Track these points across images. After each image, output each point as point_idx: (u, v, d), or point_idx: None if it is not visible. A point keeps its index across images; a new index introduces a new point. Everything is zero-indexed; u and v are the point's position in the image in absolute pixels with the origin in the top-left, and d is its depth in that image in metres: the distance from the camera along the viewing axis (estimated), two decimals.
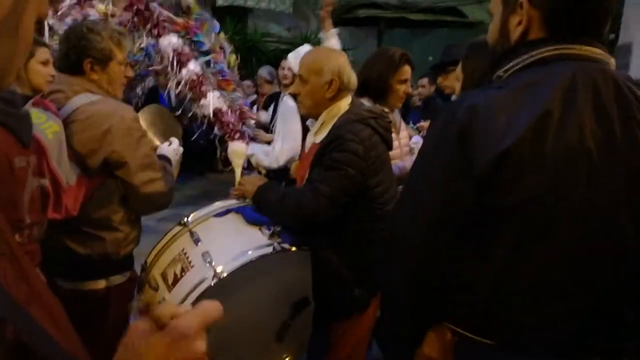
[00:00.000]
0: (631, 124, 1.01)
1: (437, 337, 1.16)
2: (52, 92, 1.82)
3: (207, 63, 3.53)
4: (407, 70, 2.64)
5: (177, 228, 2.09)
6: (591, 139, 0.98)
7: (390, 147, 2.09)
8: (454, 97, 5.12)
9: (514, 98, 1.01)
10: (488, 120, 0.99)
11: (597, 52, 1.06)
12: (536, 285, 1.05)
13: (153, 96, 8.52)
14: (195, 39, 3.57)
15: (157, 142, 2.35)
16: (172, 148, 2.22)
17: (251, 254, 1.92)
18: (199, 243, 2.01)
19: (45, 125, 1.63)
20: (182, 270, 1.96)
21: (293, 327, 2.10)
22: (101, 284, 1.90)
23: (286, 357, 2.23)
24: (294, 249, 2.00)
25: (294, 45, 12.19)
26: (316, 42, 12.12)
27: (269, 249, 1.95)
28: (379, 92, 2.56)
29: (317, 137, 2.09)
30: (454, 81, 2.68)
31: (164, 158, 2.14)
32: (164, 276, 2.01)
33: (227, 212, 2.15)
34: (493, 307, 1.08)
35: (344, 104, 2.04)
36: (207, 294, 1.81)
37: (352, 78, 2.05)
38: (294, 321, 2.09)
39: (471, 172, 0.99)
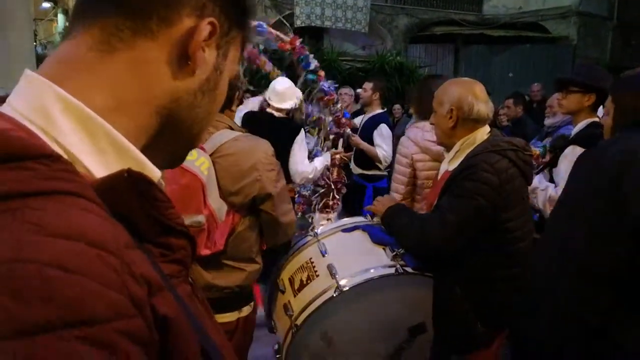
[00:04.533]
0: None
1: None
2: None
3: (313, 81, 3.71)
4: None
5: (308, 238, 2.24)
6: None
7: (529, 182, 1.97)
8: (550, 121, 4.86)
9: None
10: None
11: None
12: None
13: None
14: (301, 57, 3.74)
15: None
16: (317, 164, 2.27)
17: (373, 272, 1.99)
18: (326, 254, 2.12)
19: (200, 162, 1.65)
20: (308, 277, 2.09)
21: (407, 350, 2.06)
22: (234, 316, 1.90)
23: None
24: (416, 273, 1.99)
25: (369, 63, 12.36)
26: (391, 60, 12.20)
27: (391, 270, 1.98)
28: None
29: (450, 165, 2.03)
30: (574, 103, 2.62)
31: None
32: (291, 281, 2.15)
33: (354, 228, 2.24)
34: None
35: (480, 134, 1.97)
36: (329, 304, 1.94)
37: (477, 108, 1.94)
38: (409, 345, 2.05)
39: (627, 220, 0.95)
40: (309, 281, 2.08)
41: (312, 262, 2.13)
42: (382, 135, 4.37)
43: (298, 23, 11.91)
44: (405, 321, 2.04)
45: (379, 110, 4.50)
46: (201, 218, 1.63)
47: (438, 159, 2.64)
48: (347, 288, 1.93)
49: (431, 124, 2.14)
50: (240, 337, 1.93)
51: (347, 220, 2.30)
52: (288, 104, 3.56)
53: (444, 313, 1.94)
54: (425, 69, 13.07)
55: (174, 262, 0.52)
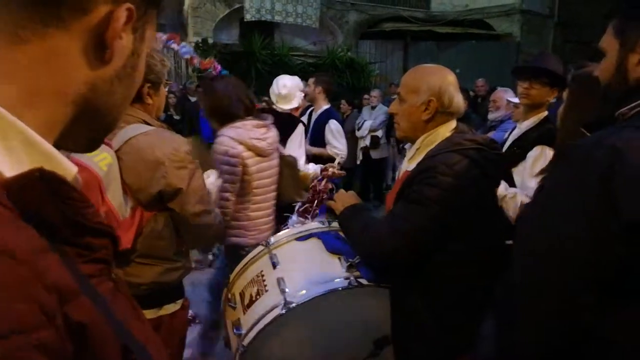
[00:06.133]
0: None
1: None
2: None
3: None
4: None
5: (260, 248, 2.09)
6: None
7: (497, 184, 1.85)
8: (493, 115, 4.85)
9: None
10: (634, 163, 0.94)
11: None
12: None
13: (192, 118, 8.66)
14: None
15: None
16: (211, 181, 2.18)
17: (324, 286, 1.84)
18: (277, 267, 1.98)
19: (99, 157, 1.59)
20: (258, 292, 1.95)
21: None
22: (154, 313, 1.86)
23: None
24: (371, 285, 1.85)
25: (320, 59, 12.36)
26: (342, 56, 12.24)
27: (345, 283, 1.84)
28: None
29: (410, 164, 1.84)
30: (541, 95, 2.53)
31: None
32: (241, 296, 2.01)
33: (309, 236, 2.07)
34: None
35: (445, 130, 1.77)
36: (277, 322, 1.80)
37: (457, 100, 1.77)
38: (376, 359, 1.93)
39: (617, 219, 0.94)
40: (258, 296, 1.94)
41: (262, 275, 1.99)
42: (332, 131, 4.35)
43: (248, 17, 11.75)
44: (371, 333, 1.92)
45: (326, 106, 4.46)
46: None
47: (264, 154, 2.61)
48: (294, 304, 1.79)
49: (392, 113, 1.92)
50: (166, 335, 1.87)
51: (302, 228, 2.14)
52: (295, 103, 3.79)
53: (401, 327, 1.79)
54: (375, 65, 13.21)
55: (95, 262, 0.52)
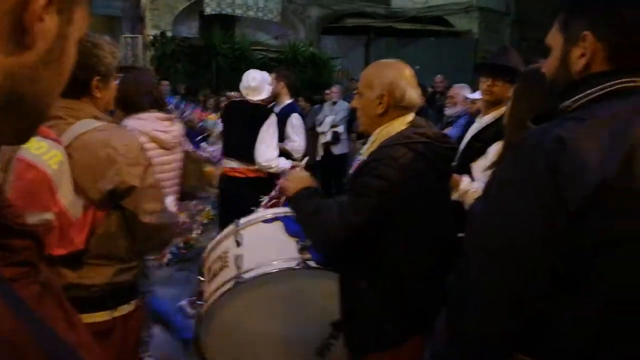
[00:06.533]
0: None
1: None
2: (51, 118, 1.65)
3: None
4: None
5: (230, 227, 2.26)
6: None
7: (443, 177, 1.88)
8: (450, 111, 4.90)
9: (600, 130, 0.99)
10: (577, 153, 0.96)
11: None
12: (622, 335, 1.03)
13: None
14: None
15: None
16: None
17: (275, 265, 1.98)
18: (240, 245, 2.13)
19: (49, 155, 1.51)
20: (221, 268, 2.12)
21: (336, 346, 1.99)
22: (108, 315, 1.80)
23: None
24: (318, 266, 1.93)
25: (282, 53, 12.29)
26: (303, 51, 12.21)
27: (293, 263, 1.95)
28: None
29: (365, 156, 1.91)
30: (503, 92, 2.51)
31: None
32: (208, 270, 2.20)
33: (275, 219, 2.19)
34: (576, 346, 1.05)
35: (400, 123, 1.81)
36: (229, 294, 1.99)
37: (409, 95, 1.80)
38: (337, 341, 1.97)
39: (563, 207, 0.96)
40: (220, 271, 2.12)
41: (226, 253, 2.16)
42: (293, 126, 4.36)
43: (208, 10, 11.58)
44: (330, 316, 1.96)
45: (288, 101, 4.47)
46: (49, 216, 1.49)
47: (166, 147, 2.66)
48: (245, 279, 1.95)
49: (353, 107, 1.98)
50: (121, 337, 1.82)
51: (271, 211, 2.29)
52: (264, 95, 4.01)
53: (349, 309, 1.85)
54: (337, 60, 13.23)
55: (17, 265, 0.50)
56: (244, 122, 3.93)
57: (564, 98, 1.11)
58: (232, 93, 6.96)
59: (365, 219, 1.69)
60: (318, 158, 7.35)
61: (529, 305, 1.03)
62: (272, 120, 3.91)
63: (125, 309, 1.84)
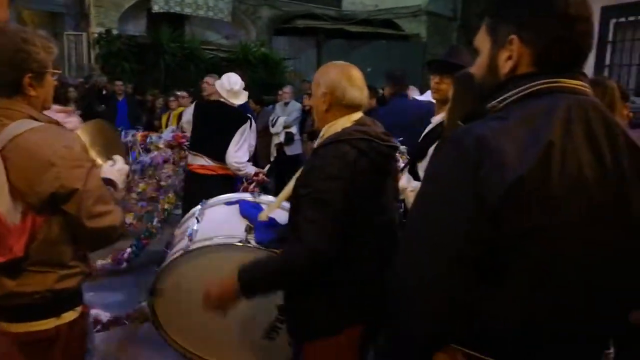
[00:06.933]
0: (618, 154, 1.08)
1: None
2: None
3: None
4: None
5: (197, 207, 2.67)
6: (589, 170, 1.04)
7: (384, 175, 1.93)
8: None
9: (519, 129, 1.04)
10: (497, 150, 1.01)
11: (582, 84, 1.13)
12: (544, 320, 1.09)
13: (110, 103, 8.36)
14: None
15: (99, 162, 2.14)
16: (117, 168, 1.99)
17: (217, 240, 2.28)
18: (198, 222, 2.48)
19: None
20: (179, 240, 2.46)
21: (283, 329, 2.03)
22: (51, 323, 1.72)
23: None
24: (258, 247, 2.18)
25: (233, 53, 12.15)
26: (255, 51, 12.12)
27: (235, 240, 2.23)
28: None
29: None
30: (449, 89, 2.48)
31: (108, 181, 1.97)
32: (171, 243, 2.63)
33: (235, 202, 2.52)
34: (503, 334, 1.10)
35: (345, 120, 1.90)
36: (176, 262, 2.33)
37: (350, 94, 1.89)
38: (283, 325, 2.02)
39: (484, 202, 1.00)
40: (177, 241, 2.49)
41: (187, 228, 2.49)
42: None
43: (156, 9, 11.31)
44: (277, 299, 2.01)
45: (240, 102, 4.50)
46: None
47: None
48: (191, 249, 2.28)
49: (308, 105, 2.16)
50: (65, 346, 1.75)
51: (234, 195, 2.68)
52: (242, 99, 4.26)
53: (288, 295, 1.92)
54: (289, 61, 13.21)
55: None
56: (220, 124, 4.10)
57: (491, 99, 1.16)
58: (182, 93, 6.83)
59: (326, 223, 1.73)
60: (271, 159, 7.32)
61: (457, 297, 1.07)
62: (247, 125, 4.15)
63: (69, 317, 1.76)
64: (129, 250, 4.62)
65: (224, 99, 4.18)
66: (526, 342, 1.10)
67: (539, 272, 1.05)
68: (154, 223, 4.73)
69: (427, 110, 4.30)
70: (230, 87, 4.17)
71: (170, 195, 4.79)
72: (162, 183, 4.75)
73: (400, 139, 2.86)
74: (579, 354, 1.16)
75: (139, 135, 5.10)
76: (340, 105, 1.90)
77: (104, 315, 3.45)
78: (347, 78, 1.91)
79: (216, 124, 4.12)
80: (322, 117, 1.95)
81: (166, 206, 4.79)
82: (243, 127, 4.10)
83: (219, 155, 4.06)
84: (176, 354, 2.53)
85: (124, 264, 4.53)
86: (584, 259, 1.07)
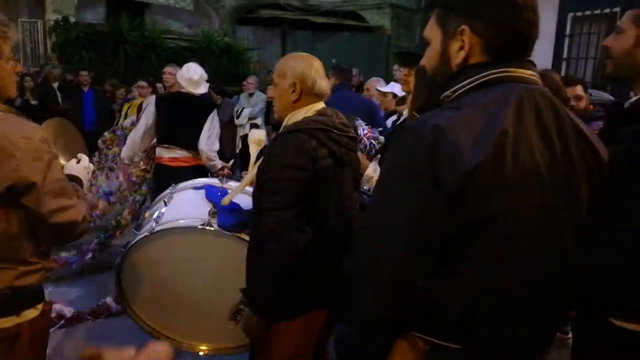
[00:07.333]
0: (567, 141, 1.12)
1: (410, 347, 1.17)
2: None
3: None
4: None
5: (167, 190, 2.75)
6: (540, 157, 1.08)
7: (343, 165, 1.99)
8: None
9: (474, 118, 1.06)
10: (453, 140, 1.02)
11: (531, 73, 1.16)
12: (501, 300, 1.11)
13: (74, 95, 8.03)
14: None
15: (62, 161, 2.07)
16: (83, 166, 1.96)
17: (181, 223, 2.39)
18: (166, 206, 2.57)
19: None
20: (148, 221, 2.54)
21: (247, 312, 2.05)
22: (11, 321, 1.67)
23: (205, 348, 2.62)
24: (219, 230, 2.27)
25: (195, 42, 11.94)
26: (218, 41, 11.93)
27: (197, 223, 2.33)
28: None
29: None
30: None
31: (73, 178, 1.91)
32: (140, 225, 2.69)
33: (202, 187, 2.58)
34: (462, 319, 1.12)
35: (306, 110, 1.97)
36: (141, 242, 2.42)
37: (320, 83, 1.98)
38: (247, 307, 2.03)
39: (441, 190, 1.02)
40: (145, 225, 2.54)
41: (155, 210, 2.58)
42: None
43: None
44: (240, 282, 2.04)
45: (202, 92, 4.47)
46: None
47: None
48: (156, 230, 2.36)
49: (270, 97, 2.18)
50: (27, 344, 1.70)
51: (202, 180, 2.74)
52: (202, 89, 4.24)
53: (252, 277, 1.97)
54: (254, 52, 13.08)
55: None
56: (189, 113, 4.08)
57: (444, 89, 1.18)
58: (143, 82, 6.68)
59: (293, 213, 1.81)
60: (237, 151, 7.25)
61: (412, 284, 1.09)
62: (214, 113, 4.19)
63: (30, 315, 1.71)
64: (95, 240, 4.50)
65: (184, 89, 4.14)
66: (480, 328, 1.12)
67: (493, 257, 1.08)
68: (124, 215, 4.62)
69: (370, 106, 4.55)
70: (189, 76, 4.15)
71: (144, 188, 4.70)
72: (133, 179, 4.65)
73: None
74: (531, 341, 1.20)
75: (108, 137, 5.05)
76: (309, 94, 1.97)
77: (68, 311, 3.37)
78: (314, 68, 1.98)
79: (184, 114, 4.07)
80: (289, 107, 1.98)
81: (137, 197, 4.69)
82: (212, 114, 4.14)
83: (192, 144, 4.05)
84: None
85: (89, 255, 4.36)
86: (537, 243, 1.10)
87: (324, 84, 2.00)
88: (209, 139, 4.07)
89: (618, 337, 1.62)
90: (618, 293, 1.60)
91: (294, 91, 1.95)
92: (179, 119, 4.08)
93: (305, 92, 1.96)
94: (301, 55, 2.07)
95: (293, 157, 1.82)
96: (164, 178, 3.95)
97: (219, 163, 4.13)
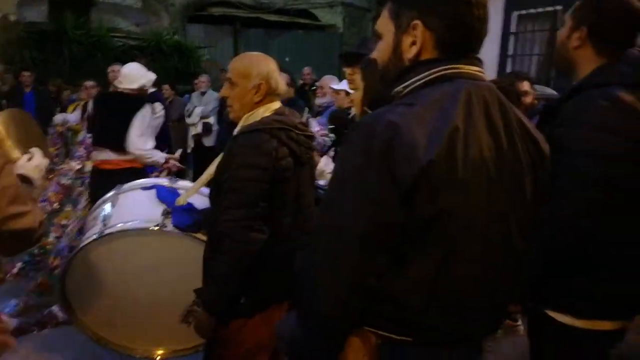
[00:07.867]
0: (513, 135, 1.15)
1: (363, 342, 1.17)
2: None
3: None
4: None
5: (112, 191, 2.63)
6: (488, 152, 1.10)
7: (302, 164, 1.98)
8: (320, 101, 5.11)
9: (427, 114, 1.07)
10: (407, 136, 1.02)
11: (479, 70, 1.18)
12: (454, 292, 1.13)
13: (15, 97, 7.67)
14: None
15: (14, 155, 1.88)
16: (34, 164, 1.79)
17: (134, 224, 2.31)
18: (114, 207, 2.48)
19: None
20: (92, 226, 2.46)
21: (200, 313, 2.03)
22: None
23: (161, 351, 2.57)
24: (174, 230, 2.24)
25: (144, 41, 11.62)
26: (168, 39, 11.66)
27: (151, 224, 2.27)
28: None
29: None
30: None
31: (23, 178, 1.76)
32: (86, 224, 2.64)
33: (152, 187, 2.51)
34: (415, 313, 1.13)
35: (264, 110, 1.97)
36: (91, 246, 2.34)
37: (281, 83, 2.01)
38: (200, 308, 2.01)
39: (396, 187, 1.02)
40: (90, 228, 2.46)
41: (100, 214, 2.49)
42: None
43: None
44: (195, 284, 2.02)
45: (151, 90, 4.37)
46: None
47: None
48: (105, 233, 2.29)
49: (223, 97, 2.10)
50: None
51: (151, 180, 2.69)
52: (137, 84, 3.98)
53: (205, 276, 1.97)
54: (205, 50, 12.86)
55: None
56: (116, 112, 3.89)
57: (396, 84, 1.19)
58: (90, 82, 6.45)
59: (254, 212, 1.81)
60: (189, 150, 7.12)
61: (365, 283, 1.09)
62: (146, 110, 3.92)
63: None
64: (19, 264, 3.98)
65: (122, 86, 3.99)
66: (433, 320, 1.14)
67: (445, 251, 1.09)
68: (50, 238, 4.03)
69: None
70: (127, 72, 4.02)
71: (68, 209, 4.30)
72: (64, 182, 4.37)
73: None
74: (480, 329, 1.24)
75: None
76: (273, 94, 1.99)
77: (11, 322, 3.21)
78: (275, 69, 2.01)
79: (114, 113, 3.90)
80: (249, 107, 1.97)
81: (63, 221, 4.16)
82: (141, 112, 3.87)
83: (120, 145, 3.78)
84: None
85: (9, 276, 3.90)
86: (485, 236, 1.12)
87: (283, 84, 2.03)
88: (140, 137, 3.81)
89: (554, 329, 1.65)
90: (545, 286, 1.64)
91: (257, 92, 1.95)
92: (108, 118, 3.90)
93: (269, 93, 1.98)
94: (262, 56, 2.06)
95: (254, 157, 1.81)
96: (99, 183, 3.73)
97: (159, 157, 3.90)
